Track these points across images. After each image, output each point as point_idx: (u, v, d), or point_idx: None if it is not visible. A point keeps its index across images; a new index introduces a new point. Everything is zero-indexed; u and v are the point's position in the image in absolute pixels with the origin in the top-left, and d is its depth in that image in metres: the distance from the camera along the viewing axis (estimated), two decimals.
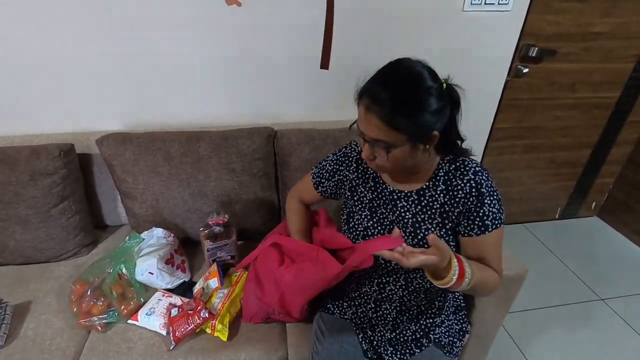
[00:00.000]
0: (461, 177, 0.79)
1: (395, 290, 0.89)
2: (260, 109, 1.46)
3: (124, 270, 1.10)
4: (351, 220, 0.90)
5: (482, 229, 0.78)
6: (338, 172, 0.94)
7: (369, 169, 0.89)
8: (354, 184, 0.91)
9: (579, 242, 2.11)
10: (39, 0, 1.14)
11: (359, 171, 0.90)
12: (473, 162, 0.81)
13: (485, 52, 1.53)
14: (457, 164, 0.80)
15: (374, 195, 0.87)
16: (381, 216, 0.86)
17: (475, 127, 1.77)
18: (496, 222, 0.78)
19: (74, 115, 1.35)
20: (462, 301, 1.02)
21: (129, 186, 1.23)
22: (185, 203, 1.25)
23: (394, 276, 0.87)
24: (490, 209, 0.78)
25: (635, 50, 1.72)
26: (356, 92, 0.73)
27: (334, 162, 0.95)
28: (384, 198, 0.86)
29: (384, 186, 0.86)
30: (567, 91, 1.77)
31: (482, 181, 0.78)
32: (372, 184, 0.88)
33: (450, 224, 0.81)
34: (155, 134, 1.25)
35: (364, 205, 0.88)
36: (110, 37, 1.23)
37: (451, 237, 0.83)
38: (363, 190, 0.89)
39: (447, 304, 0.95)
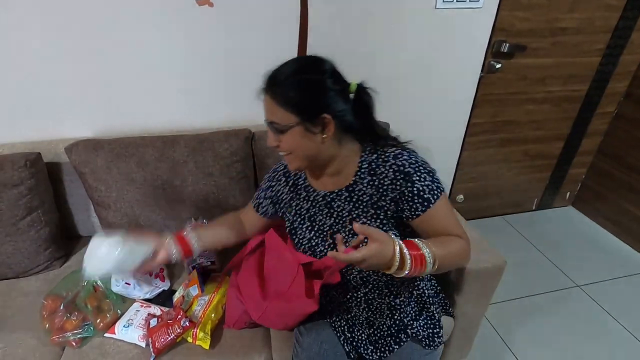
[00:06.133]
0: (383, 164, 0.79)
1: (357, 289, 0.89)
2: (236, 111, 1.43)
3: (99, 282, 1.05)
4: (295, 237, 0.91)
5: (425, 204, 0.77)
6: (271, 189, 0.96)
7: (300, 180, 0.91)
8: (289, 197, 0.92)
9: (555, 232, 2.17)
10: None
11: (290, 184, 0.92)
12: (394, 147, 0.80)
13: (459, 49, 1.55)
14: (378, 152, 0.81)
15: (309, 205, 0.89)
16: (320, 223, 0.87)
17: (452, 122, 1.79)
18: (435, 192, 0.77)
19: (40, 123, 1.29)
20: (437, 290, 1.02)
21: (102, 194, 1.19)
22: (162, 210, 1.21)
23: (349, 277, 0.88)
24: (423, 184, 0.76)
25: (600, 45, 1.78)
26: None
27: (268, 179, 0.98)
28: (318, 205, 0.87)
29: (315, 193, 0.88)
30: (538, 85, 1.82)
31: (404, 161, 0.77)
32: (305, 193, 0.89)
33: (384, 214, 0.80)
34: (128, 140, 1.21)
35: (302, 217, 0.89)
36: (77, 41, 1.19)
37: (389, 226, 0.81)
38: (299, 202, 0.91)
39: (419, 292, 0.94)
